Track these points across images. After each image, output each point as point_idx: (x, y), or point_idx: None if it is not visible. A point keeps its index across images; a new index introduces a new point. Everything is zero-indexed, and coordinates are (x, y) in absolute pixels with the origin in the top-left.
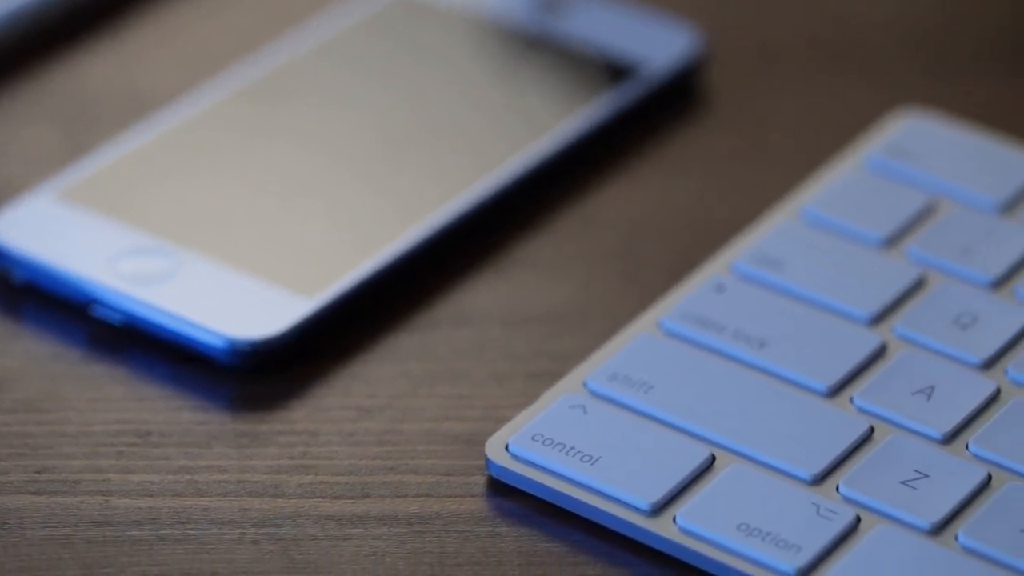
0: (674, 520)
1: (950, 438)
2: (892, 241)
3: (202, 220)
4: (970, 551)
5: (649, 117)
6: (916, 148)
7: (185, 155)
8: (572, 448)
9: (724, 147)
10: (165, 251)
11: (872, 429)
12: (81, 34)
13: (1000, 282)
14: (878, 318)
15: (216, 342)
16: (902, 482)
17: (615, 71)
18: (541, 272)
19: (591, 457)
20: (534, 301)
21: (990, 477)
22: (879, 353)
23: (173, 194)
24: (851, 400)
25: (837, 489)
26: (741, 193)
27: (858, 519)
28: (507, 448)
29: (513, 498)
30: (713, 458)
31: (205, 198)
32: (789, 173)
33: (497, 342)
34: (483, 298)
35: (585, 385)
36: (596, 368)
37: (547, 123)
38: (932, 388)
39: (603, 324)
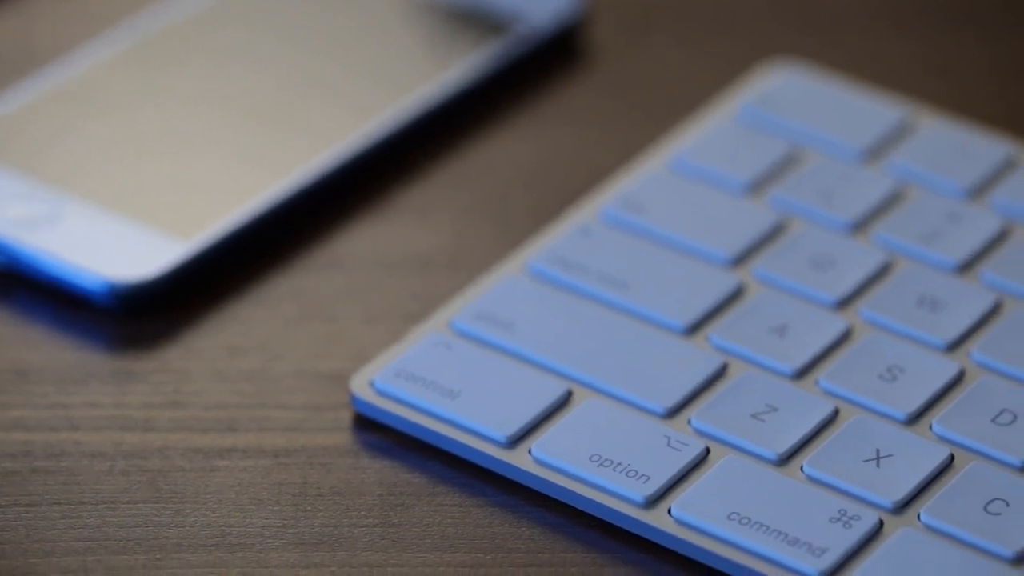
0: (529, 451)
1: (800, 374)
2: (756, 187)
3: (88, 168)
4: (814, 480)
5: (531, 71)
6: (784, 99)
7: (74, 107)
8: (434, 383)
9: (603, 101)
10: (49, 197)
11: (726, 365)
12: None
13: (858, 226)
14: (738, 260)
15: (95, 284)
16: (752, 415)
17: (497, 26)
18: (417, 218)
19: (452, 392)
20: (409, 246)
21: (837, 411)
22: (737, 293)
23: (61, 143)
24: (708, 338)
25: (689, 422)
26: (618, 145)
27: (707, 450)
28: (372, 384)
29: (377, 432)
30: (570, 393)
31: (92, 147)
32: (666, 126)
33: (371, 285)
34: (359, 242)
35: (451, 324)
36: (462, 308)
37: (428, 75)
38: (786, 327)
39: (475, 268)
